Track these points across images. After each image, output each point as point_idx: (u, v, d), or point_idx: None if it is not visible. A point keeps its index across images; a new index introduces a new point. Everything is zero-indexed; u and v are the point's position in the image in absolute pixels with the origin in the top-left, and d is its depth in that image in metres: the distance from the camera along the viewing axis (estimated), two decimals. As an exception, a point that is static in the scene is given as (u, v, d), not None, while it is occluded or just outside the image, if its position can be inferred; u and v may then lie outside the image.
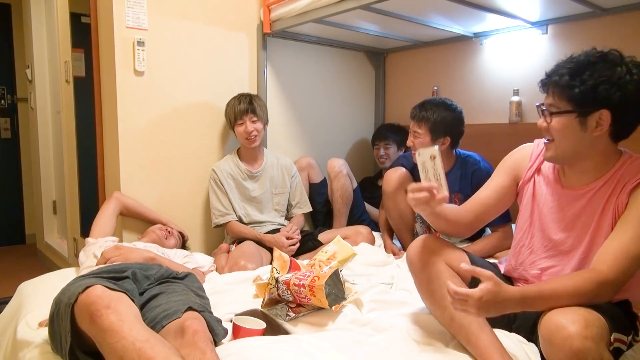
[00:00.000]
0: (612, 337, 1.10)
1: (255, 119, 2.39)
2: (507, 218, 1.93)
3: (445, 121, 2.06)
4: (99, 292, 1.17)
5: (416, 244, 1.42)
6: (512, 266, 1.48)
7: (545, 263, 1.37)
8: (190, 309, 1.30)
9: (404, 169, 2.28)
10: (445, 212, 1.40)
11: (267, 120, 2.50)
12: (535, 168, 1.41)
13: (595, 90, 1.17)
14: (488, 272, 1.11)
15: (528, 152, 1.44)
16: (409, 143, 2.18)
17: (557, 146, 1.27)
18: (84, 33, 2.54)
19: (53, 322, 1.29)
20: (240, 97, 2.43)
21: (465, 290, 1.12)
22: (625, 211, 1.20)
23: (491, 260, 1.69)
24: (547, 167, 1.40)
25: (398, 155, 2.88)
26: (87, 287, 1.18)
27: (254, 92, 2.67)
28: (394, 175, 2.26)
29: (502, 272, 1.53)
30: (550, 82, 1.26)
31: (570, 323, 1.03)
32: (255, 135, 2.39)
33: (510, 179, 1.46)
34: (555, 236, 1.34)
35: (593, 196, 1.27)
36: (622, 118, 1.20)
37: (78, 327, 1.19)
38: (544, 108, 1.27)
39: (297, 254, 2.29)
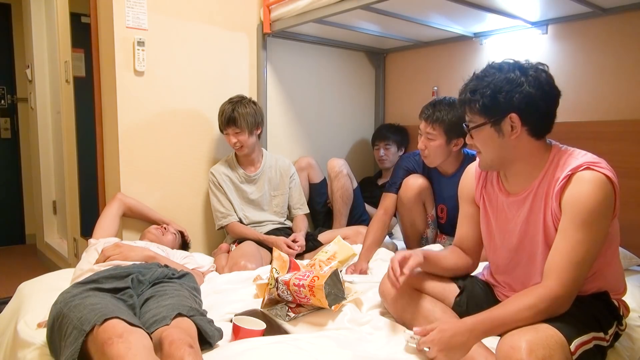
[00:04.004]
0: (572, 346, 1.12)
1: (237, 130, 2.32)
2: None
3: (460, 122, 2.00)
4: (115, 323, 1.17)
5: (384, 279, 1.50)
6: (490, 275, 1.52)
7: (513, 270, 1.41)
8: (179, 314, 1.29)
9: (424, 179, 2.17)
10: (438, 264, 1.49)
11: (258, 124, 2.39)
12: (482, 185, 1.46)
13: (496, 99, 1.25)
14: (430, 327, 1.21)
15: (473, 173, 1.50)
16: (420, 146, 2.06)
17: (484, 157, 1.36)
18: (84, 33, 2.54)
19: (52, 332, 1.29)
20: (226, 106, 2.35)
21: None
22: (561, 217, 1.23)
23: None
24: (493, 180, 1.43)
25: (399, 156, 2.87)
26: (105, 320, 1.17)
27: (253, 91, 2.68)
28: (415, 184, 2.15)
29: (485, 279, 1.55)
30: (460, 101, 1.36)
31: (515, 350, 1.07)
32: (241, 146, 2.35)
33: (473, 205, 1.50)
34: (512, 245, 1.38)
35: (534, 198, 1.31)
36: (530, 116, 1.25)
37: (84, 351, 1.17)
38: (465, 125, 1.36)
39: (297, 254, 2.29)
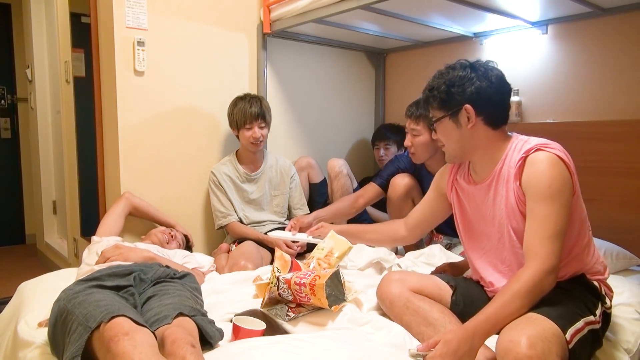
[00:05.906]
0: (567, 336, 1.15)
1: (263, 124, 2.37)
2: None
3: None
4: (121, 320, 1.16)
5: (382, 282, 1.54)
6: (472, 270, 1.55)
7: (487, 254, 1.46)
8: (180, 314, 1.29)
9: (411, 178, 2.23)
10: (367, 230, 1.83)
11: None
12: (453, 177, 1.55)
13: (451, 93, 1.38)
14: (433, 341, 1.22)
15: (449, 166, 1.60)
16: (407, 143, 2.14)
17: (447, 149, 1.48)
18: (84, 33, 2.54)
19: (55, 328, 1.28)
20: (251, 100, 2.37)
21: None
22: (526, 199, 1.30)
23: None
24: (463, 173, 1.52)
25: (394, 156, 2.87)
26: (112, 317, 1.17)
27: (253, 92, 2.67)
28: (401, 184, 2.22)
29: (474, 278, 1.56)
30: (423, 100, 1.51)
31: (515, 345, 1.09)
32: (261, 141, 2.39)
33: (437, 193, 1.63)
34: (485, 230, 1.45)
35: (497, 182, 1.39)
36: (483, 106, 1.37)
37: (89, 348, 1.17)
38: (431, 122, 1.50)
39: (298, 255, 2.29)
